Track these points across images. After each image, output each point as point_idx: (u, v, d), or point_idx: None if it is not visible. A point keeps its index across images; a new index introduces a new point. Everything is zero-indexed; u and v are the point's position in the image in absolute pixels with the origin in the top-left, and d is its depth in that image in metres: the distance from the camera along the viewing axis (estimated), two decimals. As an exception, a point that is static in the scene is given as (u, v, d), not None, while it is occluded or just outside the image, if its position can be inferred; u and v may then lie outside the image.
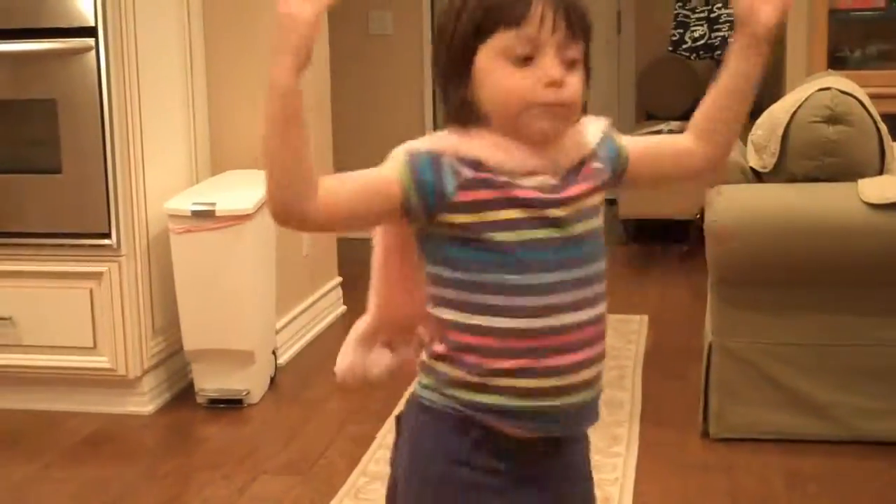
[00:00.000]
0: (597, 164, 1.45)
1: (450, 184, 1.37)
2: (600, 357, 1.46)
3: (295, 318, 4.17)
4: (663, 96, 6.51)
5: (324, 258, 4.61)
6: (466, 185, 1.37)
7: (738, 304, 3.16)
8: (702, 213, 3.60)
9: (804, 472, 2.99)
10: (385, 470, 2.99)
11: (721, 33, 5.54)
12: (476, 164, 1.38)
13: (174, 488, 3.01)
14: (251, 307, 3.57)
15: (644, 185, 1.58)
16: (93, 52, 3.33)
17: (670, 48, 5.91)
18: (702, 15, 5.59)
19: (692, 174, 1.56)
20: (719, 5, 5.54)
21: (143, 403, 3.53)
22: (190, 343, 3.53)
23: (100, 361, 3.46)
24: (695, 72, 6.50)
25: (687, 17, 5.64)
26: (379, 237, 1.52)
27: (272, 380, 3.78)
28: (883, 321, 3.09)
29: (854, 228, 3.02)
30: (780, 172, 3.14)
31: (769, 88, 5.89)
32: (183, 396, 3.66)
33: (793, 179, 3.13)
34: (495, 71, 1.37)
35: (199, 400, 3.57)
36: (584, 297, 1.42)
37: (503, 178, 1.38)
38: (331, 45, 4.67)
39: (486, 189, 1.37)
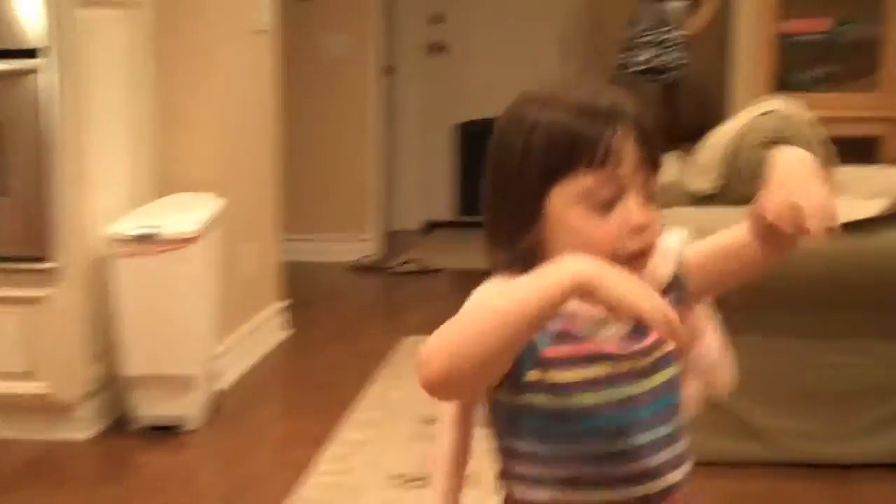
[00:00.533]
0: (667, 299, 1.30)
1: (540, 338, 1.22)
2: None
3: (236, 342, 4.11)
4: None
5: (266, 282, 4.56)
6: (553, 339, 1.23)
7: (681, 328, 3.14)
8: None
9: (747, 495, 2.98)
10: (324, 496, 2.96)
11: (669, 56, 5.57)
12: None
13: (110, 517, 2.96)
14: (194, 331, 3.51)
15: (713, 290, 1.43)
16: (37, 75, 3.26)
17: (618, 70, 5.92)
18: (650, 38, 5.61)
19: (759, 266, 1.43)
20: (667, 28, 5.57)
21: (81, 430, 3.46)
22: (129, 368, 3.47)
23: (37, 387, 3.39)
24: (642, 94, 6.53)
25: (635, 40, 5.65)
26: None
27: (212, 405, 3.73)
28: (824, 345, 3.09)
29: (799, 252, 3.01)
30: (726, 195, 3.14)
31: (716, 111, 5.92)
32: (121, 423, 3.58)
33: (739, 202, 3.13)
34: (573, 218, 1.23)
35: (137, 426, 3.51)
36: (675, 455, 1.30)
37: (582, 331, 1.25)
38: (283, 68, 4.65)
39: (571, 343, 1.24)
